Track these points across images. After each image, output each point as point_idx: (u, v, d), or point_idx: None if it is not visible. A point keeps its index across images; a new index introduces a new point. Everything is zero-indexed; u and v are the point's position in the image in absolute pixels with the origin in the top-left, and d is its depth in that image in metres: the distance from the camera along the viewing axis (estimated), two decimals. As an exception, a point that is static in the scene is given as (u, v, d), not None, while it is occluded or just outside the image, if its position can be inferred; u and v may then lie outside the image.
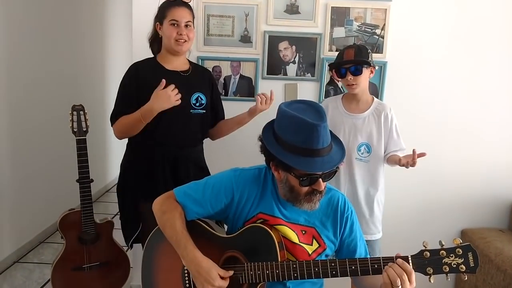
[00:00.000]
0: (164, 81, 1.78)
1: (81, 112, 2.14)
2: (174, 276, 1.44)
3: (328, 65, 2.01)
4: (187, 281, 1.41)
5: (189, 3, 1.89)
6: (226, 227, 1.53)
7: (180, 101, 1.79)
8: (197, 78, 1.94)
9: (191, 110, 1.88)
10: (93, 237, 2.20)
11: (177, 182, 1.80)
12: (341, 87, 2.35)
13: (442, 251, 1.17)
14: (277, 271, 1.28)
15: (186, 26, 1.84)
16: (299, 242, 1.38)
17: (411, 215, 2.49)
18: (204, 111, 1.92)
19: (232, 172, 1.45)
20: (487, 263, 2.16)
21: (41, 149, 3.26)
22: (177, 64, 1.92)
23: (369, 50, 1.93)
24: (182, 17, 1.83)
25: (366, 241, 1.99)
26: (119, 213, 2.08)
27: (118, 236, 2.38)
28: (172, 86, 1.77)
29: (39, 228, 3.29)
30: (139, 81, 1.85)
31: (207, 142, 2.10)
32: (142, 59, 1.95)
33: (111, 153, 4.85)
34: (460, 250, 1.15)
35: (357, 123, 1.97)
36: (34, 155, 3.17)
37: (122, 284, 2.32)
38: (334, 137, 1.35)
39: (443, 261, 1.16)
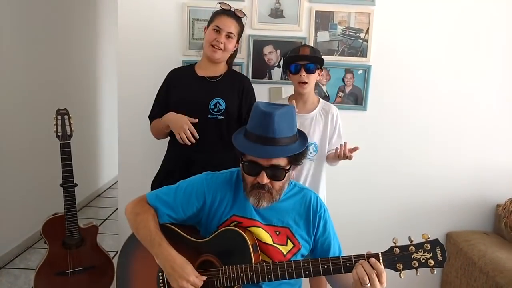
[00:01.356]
0: (195, 120, 1.84)
1: (66, 116, 2.14)
2: (149, 282, 1.43)
3: (285, 59, 2.01)
4: (162, 287, 1.40)
5: (241, 17, 1.93)
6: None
7: (192, 142, 1.82)
8: (225, 84, 1.94)
9: (209, 116, 1.90)
10: (77, 242, 2.18)
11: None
12: (326, 91, 2.36)
13: (411, 247, 1.18)
14: (251, 274, 1.28)
15: (228, 36, 1.88)
16: (273, 243, 1.38)
17: (396, 218, 2.50)
18: (222, 117, 1.91)
19: (204, 176, 1.47)
20: (471, 266, 2.17)
21: (29, 153, 3.25)
22: (211, 70, 1.96)
23: (321, 53, 2.01)
24: (226, 26, 1.87)
25: None
26: None
27: (109, 241, 2.37)
28: (192, 128, 1.81)
29: (26, 233, 3.26)
30: (170, 85, 1.95)
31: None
32: (182, 66, 2.07)
33: (103, 157, 4.84)
34: (429, 245, 1.17)
35: (305, 123, 1.99)
36: (21, 159, 3.16)
37: (107, 289, 2.31)
38: (303, 136, 1.39)
39: (412, 257, 1.18)
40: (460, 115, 2.41)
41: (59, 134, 2.12)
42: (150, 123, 2.04)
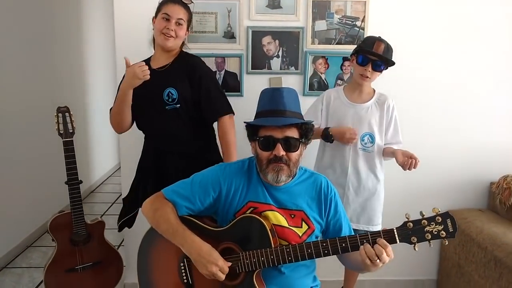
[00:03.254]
0: (127, 59, 1.80)
1: (67, 114, 2.12)
2: (171, 274, 1.47)
3: (356, 47, 1.96)
4: (184, 277, 1.44)
5: (188, 4, 1.92)
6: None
7: (149, 76, 1.78)
8: (173, 72, 1.91)
9: (166, 107, 1.89)
10: (84, 238, 2.19)
11: (162, 174, 1.93)
12: (325, 79, 2.41)
13: (424, 221, 1.25)
14: (272, 257, 1.33)
15: (178, 23, 1.86)
16: (289, 225, 1.43)
17: (394, 198, 2.55)
18: (179, 105, 1.89)
19: (218, 167, 1.52)
20: (469, 242, 2.27)
21: (24, 152, 3.21)
22: (162, 60, 1.94)
23: (393, 51, 1.93)
24: (175, 12, 1.85)
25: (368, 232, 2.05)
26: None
27: (110, 235, 2.39)
28: (141, 63, 1.79)
29: (25, 232, 3.24)
30: None
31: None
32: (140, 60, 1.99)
33: (95, 154, 4.81)
34: (440, 218, 1.24)
35: (361, 113, 1.98)
36: (17, 158, 3.12)
37: (116, 283, 2.33)
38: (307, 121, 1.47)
39: (425, 230, 1.25)
40: (455, 97, 2.49)
41: (61, 131, 2.10)
42: (110, 114, 1.99)
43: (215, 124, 2.00)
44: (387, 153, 2.00)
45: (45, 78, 3.56)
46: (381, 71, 1.93)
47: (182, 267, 1.44)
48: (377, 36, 1.94)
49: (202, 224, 1.45)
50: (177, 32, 1.86)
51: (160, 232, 1.43)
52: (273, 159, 1.37)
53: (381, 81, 2.38)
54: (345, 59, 2.37)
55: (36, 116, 3.32)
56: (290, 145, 1.37)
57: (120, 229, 2.15)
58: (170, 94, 1.88)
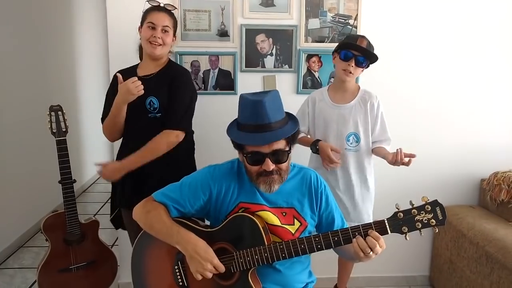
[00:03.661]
0: (119, 75, 1.82)
1: (59, 112, 2.11)
2: (165, 277, 1.46)
3: (339, 43, 1.97)
4: (179, 280, 1.44)
5: (171, 11, 1.92)
6: (208, 223, 1.55)
7: (143, 91, 1.78)
8: (156, 81, 1.91)
9: (149, 115, 1.89)
10: (78, 238, 2.18)
11: (140, 179, 1.91)
12: (318, 77, 2.42)
13: (414, 210, 1.27)
14: (266, 254, 1.33)
15: (164, 31, 1.86)
16: (281, 224, 1.43)
17: (385, 195, 2.53)
18: (160, 114, 1.89)
19: (207, 169, 1.50)
20: (460, 238, 2.30)
21: (16, 151, 3.18)
22: (150, 68, 1.94)
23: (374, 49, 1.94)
24: (160, 20, 1.85)
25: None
26: None
27: (103, 235, 2.38)
28: (134, 79, 1.78)
29: (17, 232, 3.21)
30: (115, 87, 1.87)
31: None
32: (127, 67, 2.00)
33: (86, 153, 4.78)
34: (429, 207, 1.26)
35: (345, 113, 1.99)
36: (9, 157, 3.09)
37: (110, 282, 2.32)
38: (291, 117, 1.43)
39: (415, 219, 1.26)
40: (447, 96, 2.52)
41: (54, 130, 2.09)
42: (102, 124, 1.99)
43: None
44: (378, 154, 2.00)
45: (38, 77, 3.52)
46: (363, 68, 1.93)
47: (177, 270, 1.43)
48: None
49: (194, 226, 1.44)
50: (164, 40, 1.86)
51: (154, 234, 1.42)
52: (263, 173, 1.35)
53: (374, 79, 2.42)
54: (338, 57, 2.38)
55: (28, 115, 3.28)
56: (279, 157, 1.35)
57: (116, 227, 2.14)
58: (151, 103, 1.88)
